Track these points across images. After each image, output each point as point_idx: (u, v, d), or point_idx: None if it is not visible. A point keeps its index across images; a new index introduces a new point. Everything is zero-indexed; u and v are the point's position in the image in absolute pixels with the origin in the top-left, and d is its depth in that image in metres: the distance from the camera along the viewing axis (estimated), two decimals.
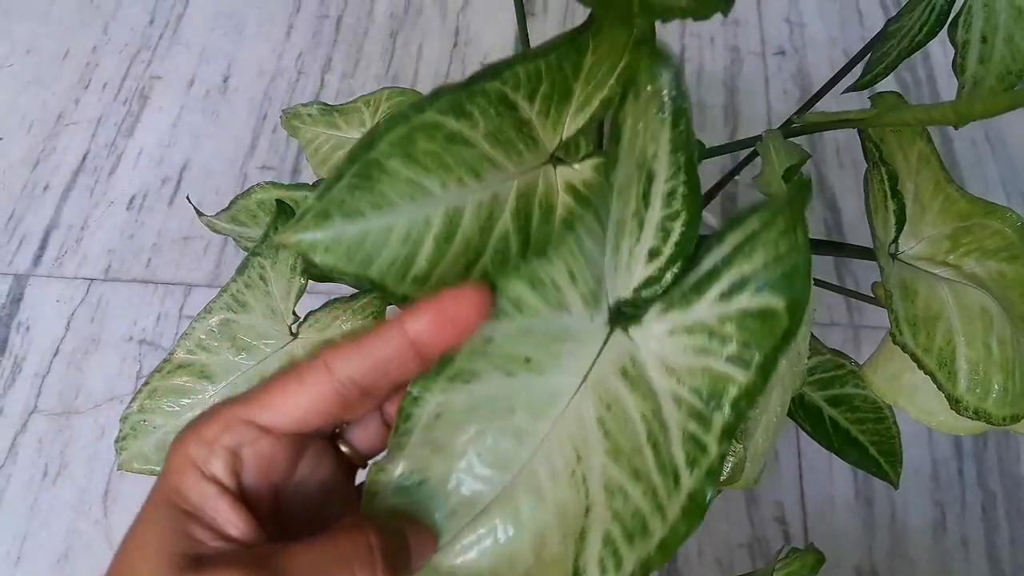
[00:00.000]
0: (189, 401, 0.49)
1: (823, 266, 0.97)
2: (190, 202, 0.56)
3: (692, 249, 0.32)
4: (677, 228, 0.31)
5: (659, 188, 0.31)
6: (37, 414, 0.89)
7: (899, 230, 0.42)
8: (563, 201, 0.38)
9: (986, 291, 0.41)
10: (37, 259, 0.99)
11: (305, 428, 0.29)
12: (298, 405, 0.29)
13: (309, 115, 0.67)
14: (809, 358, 0.60)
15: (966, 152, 1.05)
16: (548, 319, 0.30)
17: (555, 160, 0.38)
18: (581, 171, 0.38)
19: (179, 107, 1.11)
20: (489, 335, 0.29)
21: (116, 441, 0.49)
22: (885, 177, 0.40)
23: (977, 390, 0.39)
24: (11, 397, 0.90)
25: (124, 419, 0.49)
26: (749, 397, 0.30)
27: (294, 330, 0.48)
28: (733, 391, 0.30)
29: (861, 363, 0.56)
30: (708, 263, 0.32)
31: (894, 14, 0.48)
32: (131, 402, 0.49)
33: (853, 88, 0.48)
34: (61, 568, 0.81)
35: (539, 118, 0.37)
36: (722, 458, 0.29)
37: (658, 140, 0.31)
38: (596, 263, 0.31)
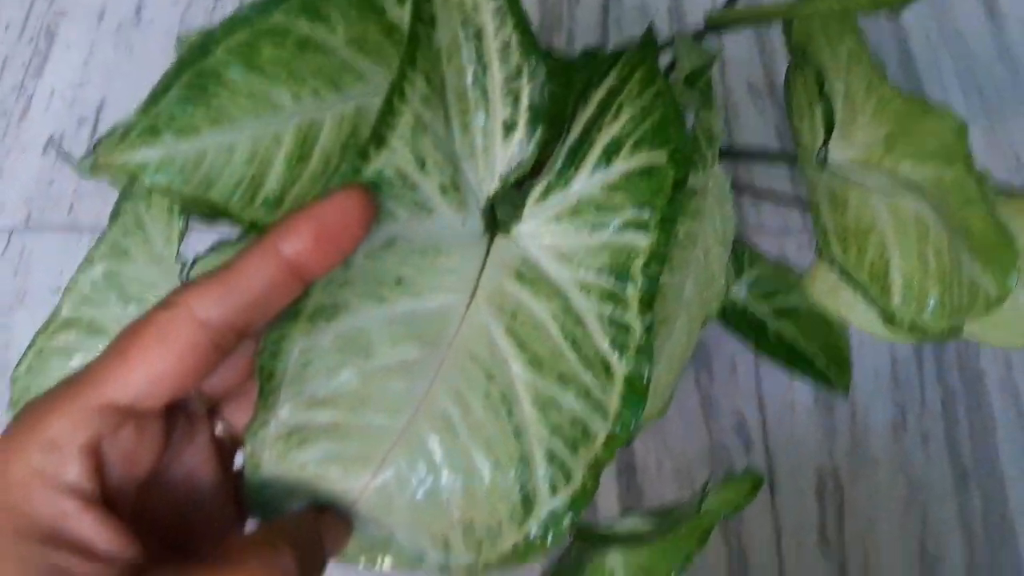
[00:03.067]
0: (80, 359, 0.46)
1: (777, 174, 0.93)
2: (59, 147, 0.52)
3: (547, 105, 0.28)
4: (524, 87, 0.28)
5: (491, 44, 0.27)
6: None
7: (828, 135, 0.38)
8: None
9: (922, 198, 0.38)
10: None
11: (178, 395, 0.24)
12: (166, 370, 0.23)
13: None
14: (750, 267, 0.57)
15: (920, 47, 1.00)
16: (410, 225, 0.27)
17: None
18: None
19: (89, 43, 1.04)
20: (347, 259, 0.26)
21: (8, 408, 0.46)
22: (811, 76, 0.37)
23: (912, 304, 0.37)
24: None
25: (14, 382, 0.46)
26: (658, 259, 0.27)
27: (182, 277, 0.44)
28: (640, 259, 0.27)
29: None
30: (575, 131, 0.29)
31: None
32: (18, 364, 0.46)
33: None
34: None
35: None
36: (649, 331, 0.27)
37: None
38: (445, 143, 0.27)
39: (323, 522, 0.26)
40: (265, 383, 0.26)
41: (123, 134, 0.25)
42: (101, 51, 1.03)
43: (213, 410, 0.29)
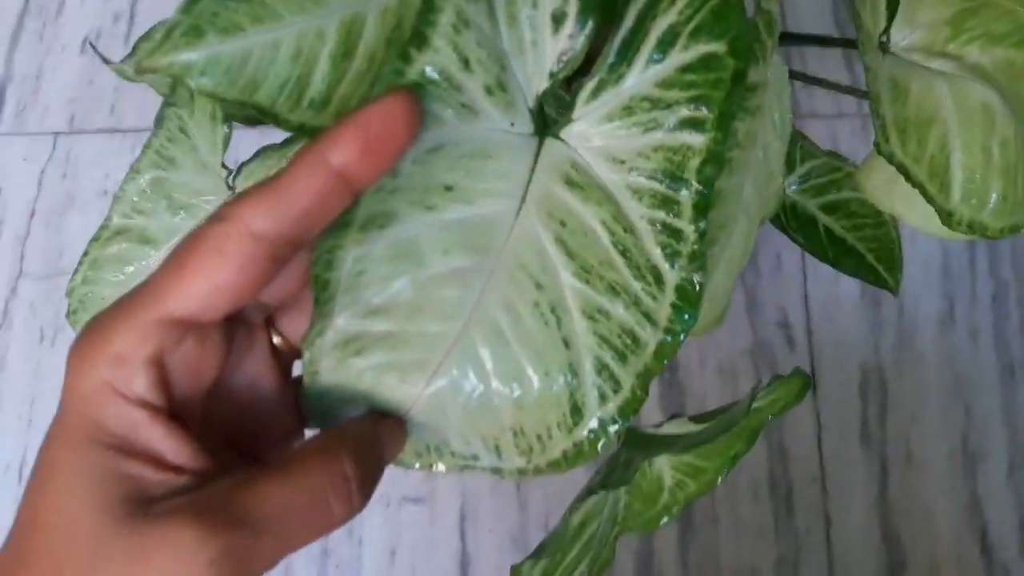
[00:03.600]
0: (133, 268, 0.46)
1: (831, 58, 0.89)
2: (95, 50, 0.51)
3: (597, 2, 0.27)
4: None
5: None
6: (24, 278, 0.88)
7: (891, 17, 0.36)
8: None
9: (989, 84, 0.36)
10: None
11: (237, 307, 0.24)
12: (223, 282, 0.24)
13: None
14: (802, 163, 0.55)
15: None
16: (457, 128, 0.26)
17: None
18: None
19: None
20: (395, 167, 0.25)
21: (67, 315, 0.47)
22: None
23: (973, 200, 0.35)
24: None
25: (70, 293, 0.47)
26: (715, 160, 0.26)
27: (229, 183, 0.44)
28: (695, 159, 0.26)
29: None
30: (628, 21, 0.27)
31: None
32: (74, 274, 0.47)
33: None
34: None
35: None
36: (702, 237, 0.27)
37: None
38: (491, 39, 0.26)
39: (380, 428, 0.27)
40: (320, 293, 0.26)
41: (165, 35, 0.25)
42: None
43: (270, 319, 0.29)
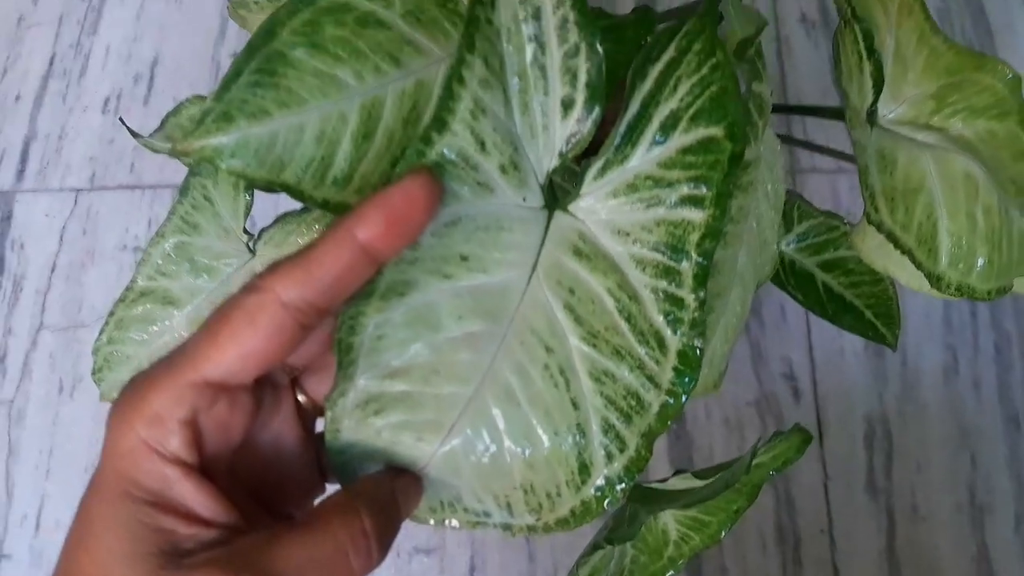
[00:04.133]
0: (157, 328, 0.48)
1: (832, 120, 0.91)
2: (124, 124, 0.54)
3: (604, 84, 0.29)
4: (582, 65, 0.28)
5: (549, 23, 0.28)
6: (44, 330, 0.90)
7: (877, 94, 0.38)
8: None
9: (971, 155, 0.38)
10: (20, 174, 0.97)
11: (266, 370, 0.26)
12: (255, 349, 0.25)
13: (255, 2, 0.63)
14: (800, 222, 0.57)
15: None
16: (473, 203, 0.28)
17: None
18: None
19: None
20: (416, 239, 0.27)
21: (92, 373, 0.49)
22: (860, 35, 0.36)
23: (960, 265, 0.37)
24: (17, 316, 0.91)
25: (95, 352, 0.49)
26: (713, 235, 0.28)
27: (251, 247, 0.46)
28: (695, 234, 0.28)
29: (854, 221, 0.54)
30: (633, 107, 0.29)
31: None
32: (100, 334, 0.49)
33: None
34: (89, 477, 0.84)
35: None
36: (702, 306, 0.28)
37: None
38: (504, 124, 0.28)
39: (397, 485, 0.28)
40: (343, 356, 0.27)
41: (199, 121, 0.27)
42: (152, 5, 1.04)
43: (295, 380, 0.31)
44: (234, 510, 0.26)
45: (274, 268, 0.26)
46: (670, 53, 0.28)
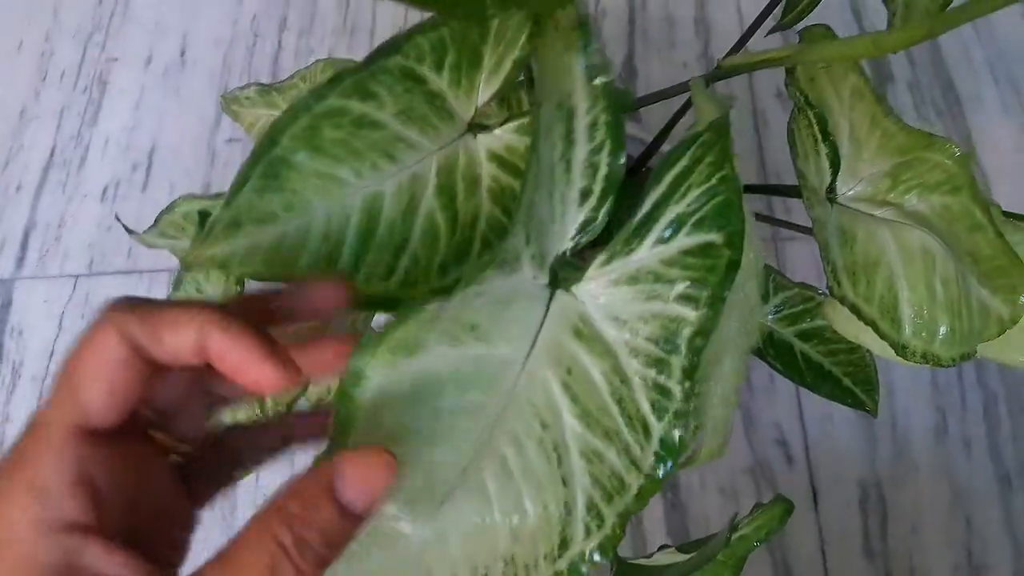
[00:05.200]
0: None
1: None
2: (120, 222, 0.56)
3: (621, 179, 0.31)
4: (603, 160, 0.30)
5: (581, 123, 0.30)
6: None
7: (835, 174, 0.40)
8: (487, 171, 0.37)
9: (928, 229, 0.39)
10: (20, 261, 0.99)
11: (131, 406, 0.26)
12: (113, 385, 0.25)
13: (247, 98, 0.66)
14: (776, 293, 0.58)
15: (950, 39, 1.00)
16: (501, 280, 0.29)
17: (474, 129, 0.37)
18: (503, 136, 0.36)
19: (139, 88, 1.09)
20: (440, 305, 0.28)
21: None
22: (814, 120, 0.39)
23: (923, 334, 0.38)
24: (15, 403, 0.91)
25: None
26: (703, 334, 0.30)
27: None
28: (687, 331, 0.30)
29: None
30: (645, 207, 0.31)
31: None
32: None
33: (778, 28, 0.45)
34: None
35: (451, 88, 0.35)
36: (687, 399, 0.30)
37: (572, 74, 0.29)
38: (539, 214, 0.30)
39: (357, 466, 0.26)
40: (344, 406, 0.28)
41: (208, 231, 0.28)
42: (150, 95, 1.08)
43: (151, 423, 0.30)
44: (144, 565, 0.25)
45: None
46: (684, 162, 0.30)
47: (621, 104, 0.30)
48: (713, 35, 1.02)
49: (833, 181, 0.40)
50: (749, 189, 0.50)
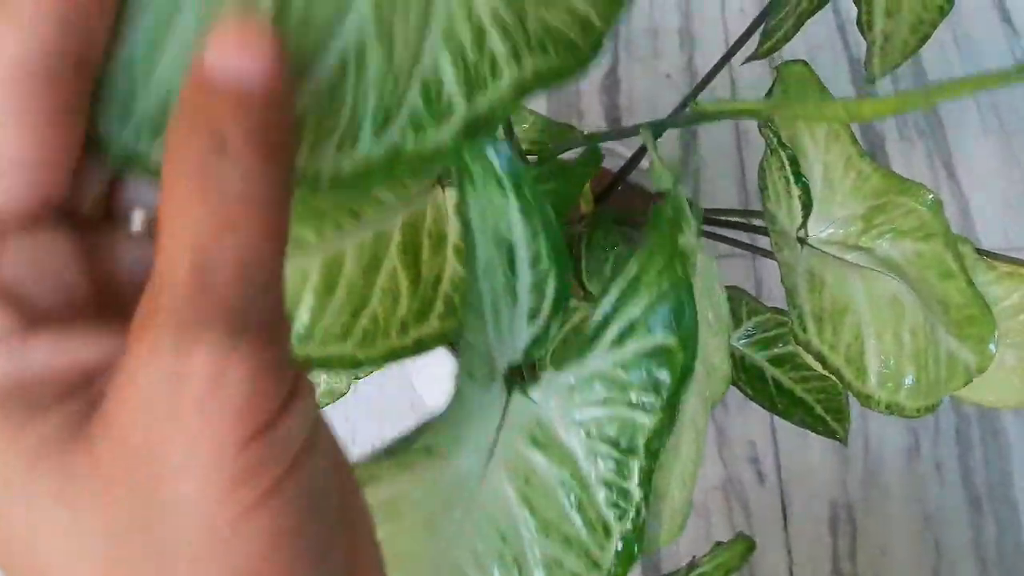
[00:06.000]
0: None
1: None
2: None
3: (567, 298, 0.30)
4: (550, 285, 0.30)
5: (522, 255, 0.30)
6: None
7: (806, 215, 0.39)
8: (455, 228, 0.36)
9: (899, 276, 0.39)
10: None
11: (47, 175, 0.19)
12: (14, 151, 0.18)
13: None
14: (748, 318, 0.58)
15: (933, 57, 1.00)
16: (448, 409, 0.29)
17: (443, 182, 0.36)
18: None
19: None
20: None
21: None
22: (786, 161, 0.38)
23: (889, 384, 0.38)
24: None
25: None
26: (660, 436, 0.30)
27: None
28: (643, 435, 0.30)
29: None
30: (597, 315, 0.31)
31: None
32: None
33: (754, 57, 0.44)
34: None
35: None
36: (645, 498, 0.30)
37: (507, 213, 0.29)
38: (484, 342, 0.30)
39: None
40: None
41: None
42: None
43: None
44: (107, 332, 0.19)
45: None
46: (634, 269, 0.30)
47: (559, 235, 0.30)
48: (698, 47, 1.01)
49: (804, 222, 0.40)
50: (726, 216, 0.50)
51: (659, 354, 0.30)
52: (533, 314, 0.31)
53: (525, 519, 0.30)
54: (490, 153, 0.29)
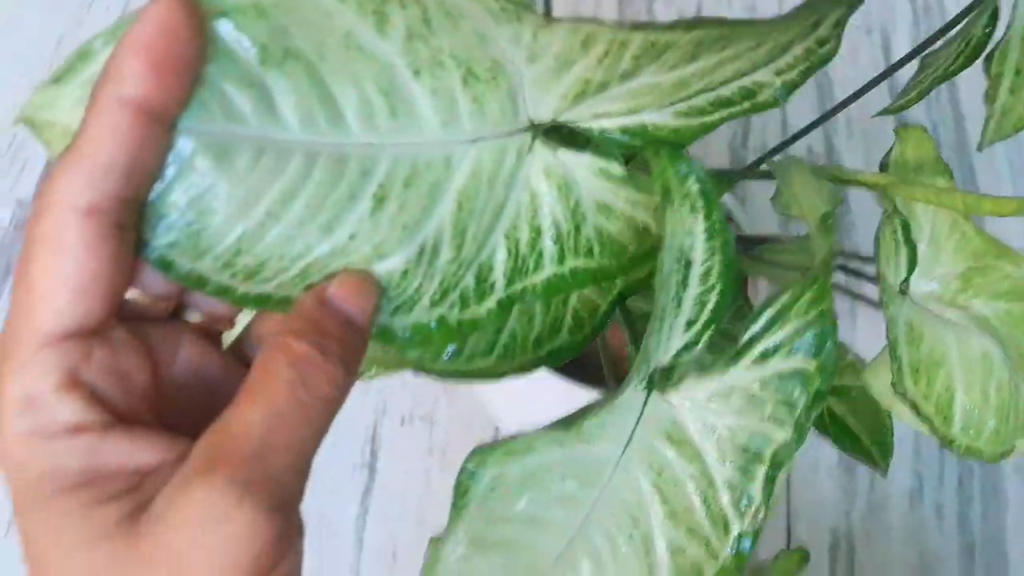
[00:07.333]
0: None
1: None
2: None
3: (724, 312, 0.33)
4: (712, 299, 0.33)
5: (695, 271, 0.33)
6: None
7: (911, 271, 0.43)
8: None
9: (989, 333, 0.43)
10: None
11: (113, 293, 0.23)
12: (82, 278, 0.22)
13: None
14: None
15: (976, 128, 1.04)
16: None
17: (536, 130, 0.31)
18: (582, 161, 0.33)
19: None
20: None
21: None
22: (899, 227, 0.41)
23: (970, 431, 0.41)
24: None
25: None
26: (788, 450, 0.33)
27: None
28: (772, 447, 0.33)
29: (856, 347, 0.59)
30: (746, 335, 0.34)
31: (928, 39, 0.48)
32: None
33: (884, 112, 0.48)
34: None
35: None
36: (766, 501, 0.33)
37: (693, 233, 0.32)
38: (647, 344, 0.33)
39: (337, 294, 0.27)
40: (459, 498, 0.30)
41: None
42: None
43: (183, 305, 0.28)
44: (178, 436, 0.24)
45: (51, 176, 0.21)
46: (785, 299, 0.33)
47: (734, 258, 0.33)
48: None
49: (907, 278, 0.43)
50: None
51: (798, 376, 0.33)
52: (690, 323, 0.33)
53: (656, 505, 0.33)
54: (690, 179, 0.32)
